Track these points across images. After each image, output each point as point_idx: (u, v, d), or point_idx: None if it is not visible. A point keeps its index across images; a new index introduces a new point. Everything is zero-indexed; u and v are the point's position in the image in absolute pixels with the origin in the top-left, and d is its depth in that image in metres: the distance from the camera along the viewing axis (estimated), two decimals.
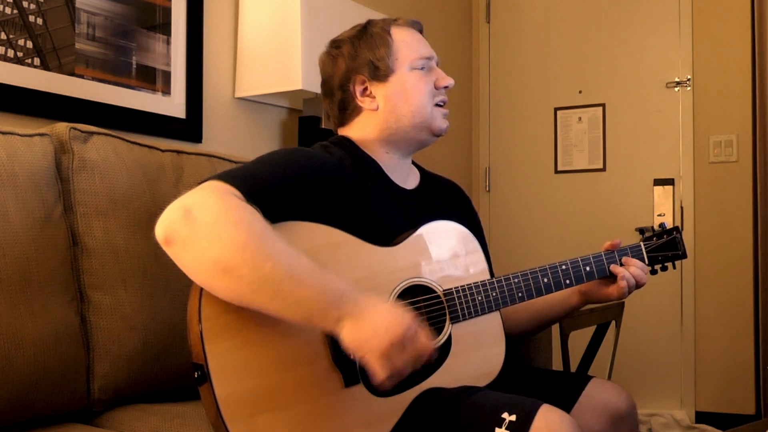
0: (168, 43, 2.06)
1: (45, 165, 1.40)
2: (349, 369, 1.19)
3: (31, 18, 1.72)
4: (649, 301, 2.97)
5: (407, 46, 1.45)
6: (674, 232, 1.55)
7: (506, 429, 1.14)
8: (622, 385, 1.51)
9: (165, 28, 2.06)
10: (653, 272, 1.55)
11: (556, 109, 3.51)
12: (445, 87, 1.48)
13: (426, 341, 1.13)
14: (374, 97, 1.44)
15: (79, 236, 1.43)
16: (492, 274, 1.44)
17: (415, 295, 1.32)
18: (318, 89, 1.55)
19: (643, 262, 1.51)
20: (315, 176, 1.28)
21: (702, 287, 3.19)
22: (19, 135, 1.39)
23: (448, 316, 1.33)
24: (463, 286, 1.35)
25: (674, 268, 1.58)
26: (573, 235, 3.38)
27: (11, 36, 1.68)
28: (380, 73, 1.43)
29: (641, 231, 1.57)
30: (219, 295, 1.10)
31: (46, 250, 1.34)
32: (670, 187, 3.25)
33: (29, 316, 1.28)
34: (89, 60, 1.85)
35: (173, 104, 2.08)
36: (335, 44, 1.49)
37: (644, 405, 3.13)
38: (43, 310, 1.31)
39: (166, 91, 2.06)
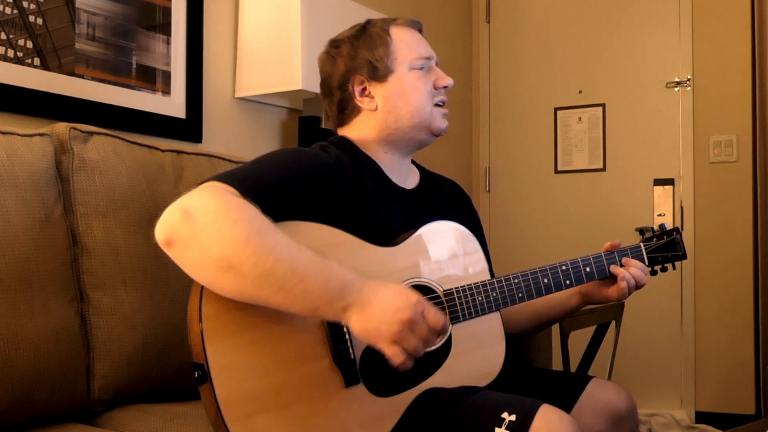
0: (168, 43, 2.06)
1: (45, 165, 1.40)
2: (350, 369, 1.19)
3: (31, 18, 1.72)
4: (649, 301, 2.97)
5: (406, 46, 1.45)
6: (674, 233, 1.55)
7: (506, 429, 1.14)
8: (622, 385, 1.51)
9: (165, 28, 2.06)
10: (653, 273, 1.55)
11: (556, 109, 3.51)
12: (445, 87, 1.47)
13: (435, 316, 1.14)
14: (373, 98, 1.44)
15: (79, 236, 1.43)
16: (492, 275, 1.44)
17: None
18: (318, 89, 1.55)
19: (643, 262, 1.51)
20: (314, 176, 1.28)
21: (702, 287, 3.19)
22: (19, 135, 1.39)
23: (448, 317, 1.33)
24: (464, 286, 1.35)
25: (674, 268, 1.58)
26: (573, 235, 3.38)
27: (11, 36, 1.68)
28: (379, 73, 1.43)
29: (641, 231, 1.57)
30: (222, 292, 1.10)
31: (46, 250, 1.34)
32: (670, 187, 3.25)
33: (29, 316, 1.28)
34: (89, 60, 1.85)
35: (173, 104, 2.08)
36: (334, 44, 1.49)
37: (644, 405, 3.13)
38: (43, 310, 1.31)
39: (166, 91, 2.06)
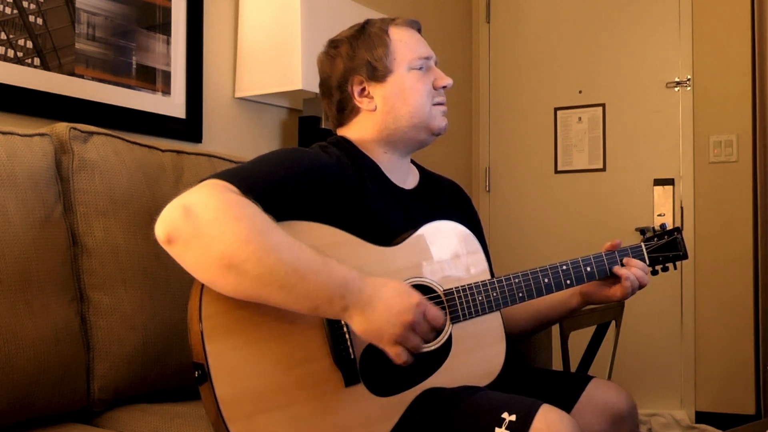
0: (168, 43, 2.06)
1: (45, 165, 1.40)
2: (350, 368, 1.19)
3: (31, 18, 1.72)
4: (649, 301, 2.97)
5: (405, 46, 1.45)
6: (675, 233, 1.55)
7: (506, 429, 1.14)
8: (622, 385, 1.51)
9: (165, 28, 2.06)
10: (654, 273, 1.55)
11: (556, 109, 3.51)
12: (444, 87, 1.47)
13: (435, 315, 1.18)
14: (372, 98, 1.44)
15: (79, 236, 1.43)
16: (492, 274, 1.44)
17: None
18: (318, 89, 1.55)
19: (644, 262, 1.51)
20: (314, 176, 1.28)
21: (702, 287, 3.19)
22: (19, 135, 1.39)
23: (448, 316, 1.33)
24: (464, 286, 1.35)
25: (675, 268, 1.58)
26: (573, 235, 3.38)
27: (11, 36, 1.68)
28: (378, 73, 1.43)
29: (642, 231, 1.57)
30: (223, 291, 1.10)
31: (46, 250, 1.34)
32: (670, 187, 3.25)
33: (29, 316, 1.28)
34: (89, 60, 1.85)
35: (173, 104, 2.08)
36: (333, 44, 1.49)
37: (644, 405, 3.13)
38: (43, 310, 1.31)
39: (166, 91, 2.06)
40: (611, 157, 3.39)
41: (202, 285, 1.13)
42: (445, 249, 1.37)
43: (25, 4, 1.70)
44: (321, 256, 1.12)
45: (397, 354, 1.14)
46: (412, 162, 1.56)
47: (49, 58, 1.76)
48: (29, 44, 1.71)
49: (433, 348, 1.30)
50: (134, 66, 1.97)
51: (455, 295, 1.34)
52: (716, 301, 3.16)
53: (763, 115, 3.02)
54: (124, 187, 1.49)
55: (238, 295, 1.10)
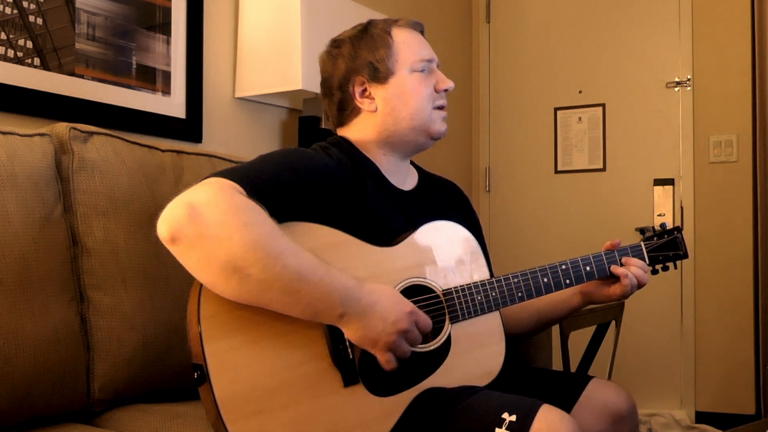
0: (168, 43, 2.06)
1: (45, 165, 1.40)
2: (349, 369, 1.19)
3: (31, 18, 1.72)
4: (649, 301, 2.97)
5: (408, 47, 1.44)
6: (675, 232, 1.55)
7: (506, 429, 1.14)
8: (622, 385, 1.50)
9: (165, 28, 2.06)
10: (654, 272, 1.55)
11: (556, 109, 3.51)
12: (445, 90, 1.47)
13: (425, 322, 1.23)
14: (373, 99, 1.44)
15: (79, 236, 1.43)
16: (491, 274, 1.44)
17: (415, 295, 1.32)
18: (318, 89, 1.54)
19: (644, 261, 1.51)
20: (314, 177, 1.28)
21: (702, 287, 3.19)
22: (19, 135, 1.39)
23: (447, 316, 1.33)
24: (463, 285, 1.35)
25: (675, 267, 1.58)
26: (573, 235, 3.38)
27: (11, 36, 1.68)
28: (380, 74, 1.43)
29: (642, 231, 1.57)
30: (224, 293, 1.10)
31: (46, 250, 1.34)
32: (670, 187, 3.25)
33: (29, 316, 1.28)
34: (89, 60, 1.85)
35: (173, 104, 2.08)
36: (335, 44, 1.48)
37: (644, 405, 3.13)
38: (43, 310, 1.31)
39: (166, 91, 2.06)
40: (611, 157, 3.39)
41: (201, 286, 1.13)
42: (444, 249, 1.37)
43: (25, 4, 1.70)
44: (323, 263, 1.14)
45: (388, 360, 1.19)
46: (411, 163, 1.56)
47: (49, 58, 1.76)
48: (29, 44, 1.71)
49: (432, 348, 1.30)
50: (134, 66, 1.97)
51: (454, 295, 1.34)
52: (716, 301, 3.16)
53: (763, 115, 3.02)
54: (124, 187, 1.49)
55: (240, 298, 1.10)
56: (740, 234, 3.13)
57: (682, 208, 3.23)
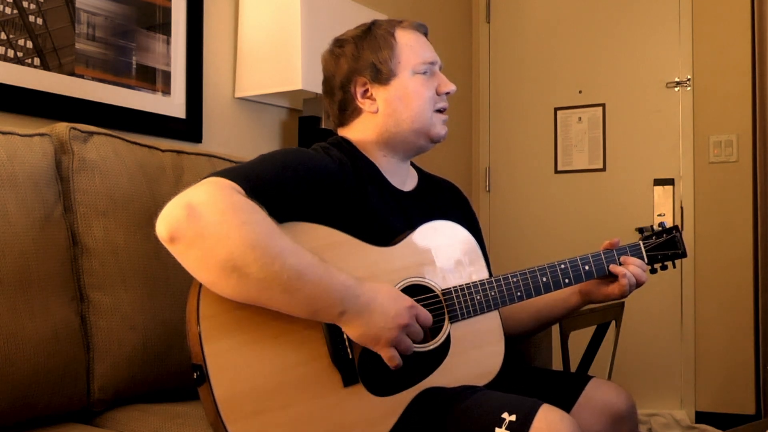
0: (168, 43, 2.07)
1: (45, 165, 1.40)
2: (348, 368, 1.20)
3: (31, 18, 1.72)
4: (649, 301, 2.97)
5: (411, 50, 1.44)
6: (674, 231, 1.55)
7: (506, 429, 1.14)
8: (622, 385, 1.51)
9: (165, 28, 2.06)
10: (653, 271, 1.55)
11: (556, 109, 3.51)
12: (447, 93, 1.47)
13: (426, 316, 1.23)
14: (375, 100, 1.44)
15: (79, 236, 1.43)
16: (490, 274, 1.44)
17: (414, 295, 1.31)
18: (318, 89, 1.55)
19: (643, 261, 1.51)
20: (314, 177, 1.28)
21: (702, 287, 3.19)
22: (19, 135, 1.39)
23: (446, 316, 1.33)
24: (462, 285, 1.35)
25: (674, 267, 1.58)
26: (573, 235, 3.38)
27: (11, 36, 1.68)
28: (382, 75, 1.43)
29: (641, 230, 1.57)
30: (223, 293, 1.10)
31: (46, 250, 1.34)
32: (670, 187, 3.25)
33: (29, 316, 1.28)
34: (89, 60, 1.85)
35: (173, 104, 2.08)
36: (339, 43, 1.48)
37: (644, 405, 3.13)
38: (43, 310, 1.31)
39: (166, 91, 2.06)
40: (611, 157, 3.39)
41: (200, 286, 1.13)
42: (443, 249, 1.37)
43: (25, 4, 1.70)
44: (322, 262, 1.13)
45: (392, 356, 1.18)
46: (411, 164, 1.56)
47: (49, 58, 1.76)
48: (29, 44, 1.72)
49: (431, 348, 1.30)
50: (134, 66, 1.97)
51: (453, 295, 1.34)
52: (716, 301, 3.16)
53: (763, 115, 3.02)
54: (124, 187, 1.49)
55: (239, 297, 1.10)
56: (740, 234, 3.13)
57: (682, 208, 3.23)
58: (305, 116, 2.37)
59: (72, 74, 1.81)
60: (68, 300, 1.38)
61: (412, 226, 1.37)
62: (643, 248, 1.53)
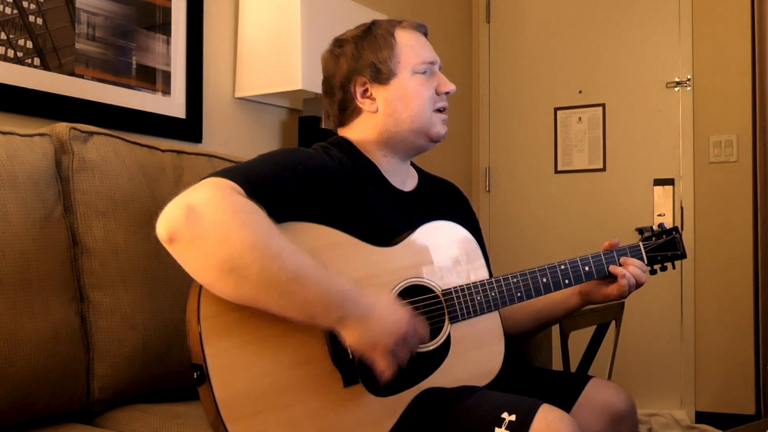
0: (168, 43, 2.07)
1: (45, 165, 1.40)
2: (349, 369, 1.19)
3: (31, 18, 1.72)
4: (649, 301, 2.97)
5: (411, 49, 1.45)
6: (673, 232, 1.55)
7: (506, 429, 1.14)
8: (622, 385, 1.51)
9: (165, 28, 2.06)
10: (653, 272, 1.55)
11: (556, 109, 3.51)
12: (447, 93, 1.47)
13: (424, 327, 1.22)
14: (374, 99, 1.44)
15: (79, 236, 1.43)
16: (491, 274, 1.44)
17: (414, 295, 1.32)
18: (318, 89, 1.55)
19: (642, 261, 1.51)
20: (314, 176, 1.28)
21: (702, 287, 3.19)
22: (19, 135, 1.39)
23: (446, 316, 1.33)
24: (462, 286, 1.35)
25: (674, 268, 1.58)
26: (573, 235, 3.38)
27: (11, 36, 1.68)
28: (382, 75, 1.43)
29: (640, 231, 1.57)
30: (222, 294, 1.10)
31: (46, 250, 1.34)
32: (670, 187, 3.25)
33: (29, 316, 1.28)
34: (89, 60, 1.85)
35: (173, 104, 2.08)
36: (338, 43, 1.48)
37: (644, 405, 3.13)
38: (43, 310, 1.31)
39: (166, 91, 2.06)
40: (611, 157, 3.39)
41: (201, 286, 1.13)
42: (443, 249, 1.37)
43: (25, 4, 1.70)
44: (321, 265, 1.12)
45: (386, 366, 1.15)
46: (412, 164, 1.56)
47: (49, 58, 1.76)
48: (29, 44, 1.72)
49: (431, 348, 1.30)
50: (134, 66, 1.97)
51: (453, 295, 1.34)
52: (716, 301, 3.16)
53: (763, 115, 3.02)
54: (124, 187, 1.49)
55: (237, 299, 1.10)
56: (740, 234, 3.13)
57: (682, 208, 3.23)
58: (305, 116, 2.37)
59: (72, 74, 1.81)
60: (68, 300, 1.38)
61: (412, 226, 1.37)
62: (642, 249, 1.53)
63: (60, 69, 1.78)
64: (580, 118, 3.46)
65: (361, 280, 1.25)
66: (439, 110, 1.47)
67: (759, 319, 3.05)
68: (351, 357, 1.20)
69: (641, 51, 3.33)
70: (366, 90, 1.44)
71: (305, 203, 1.25)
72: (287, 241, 1.11)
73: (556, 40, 3.52)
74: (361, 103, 1.45)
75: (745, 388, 3.08)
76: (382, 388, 1.22)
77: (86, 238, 1.43)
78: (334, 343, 1.19)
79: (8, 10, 1.67)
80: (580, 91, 3.46)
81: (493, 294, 1.37)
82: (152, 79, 2.02)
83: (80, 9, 1.82)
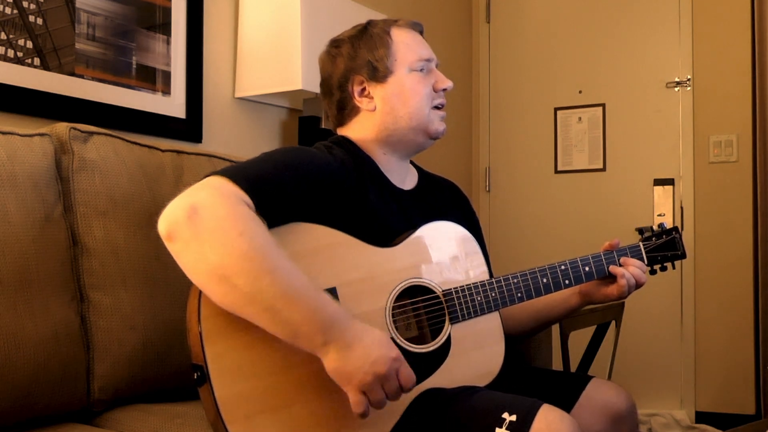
0: (168, 43, 2.06)
1: (45, 165, 1.40)
2: None
3: (31, 18, 1.72)
4: (649, 301, 2.97)
5: (407, 47, 1.45)
6: (673, 233, 1.55)
7: (506, 429, 1.14)
8: (622, 385, 1.51)
9: (165, 28, 2.06)
10: (653, 272, 1.55)
11: (556, 109, 3.51)
12: (444, 89, 1.47)
13: (408, 375, 1.14)
14: (372, 98, 1.44)
15: (79, 236, 1.43)
16: (491, 275, 1.44)
17: (415, 296, 1.32)
18: (318, 89, 1.55)
19: (642, 262, 1.51)
20: (314, 176, 1.28)
21: (702, 287, 3.19)
22: (19, 135, 1.39)
23: (447, 317, 1.33)
24: (463, 286, 1.35)
25: (674, 268, 1.58)
26: (573, 235, 3.38)
27: (11, 36, 1.68)
28: (379, 74, 1.43)
29: (640, 231, 1.57)
30: (213, 299, 1.10)
31: (46, 250, 1.34)
32: (670, 187, 3.25)
33: (29, 316, 1.28)
34: (89, 60, 1.85)
35: (173, 104, 2.08)
36: (335, 44, 1.49)
37: (644, 405, 3.13)
38: (43, 310, 1.31)
39: (166, 91, 2.06)
40: (611, 157, 3.39)
41: None
42: (443, 249, 1.37)
43: (25, 4, 1.70)
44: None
45: (358, 402, 1.10)
46: (411, 163, 1.56)
47: (49, 58, 1.76)
48: (29, 44, 1.72)
49: (432, 349, 1.30)
50: (134, 66, 1.97)
51: (454, 296, 1.34)
52: (716, 301, 3.16)
53: (763, 115, 3.02)
54: (124, 187, 1.49)
55: (225, 305, 1.09)
56: (740, 234, 3.13)
57: (682, 208, 3.23)
58: (305, 116, 2.37)
59: (72, 74, 1.81)
60: (68, 300, 1.38)
61: (413, 226, 1.37)
62: (642, 249, 1.53)
63: (60, 69, 1.78)
64: (580, 118, 3.46)
65: (361, 280, 1.25)
66: (437, 107, 1.47)
67: (759, 319, 3.05)
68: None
69: (641, 51, 3.33)
70: (363, 89, 1.44)
71: (305, 203, 1.25)
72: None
73: (556, 40, 3.52)
74: (359, 102, 1.45)
75: (745, 388, 3.08)
76: None
77: (86, 238, 1.43)
78: None
79: (8, 10, 1.67)
80: (580, 91, 3.46)
81: (493, 294, 1.37)
82: (152, 79, 2.02)
83: (80, 9, 1.82)
